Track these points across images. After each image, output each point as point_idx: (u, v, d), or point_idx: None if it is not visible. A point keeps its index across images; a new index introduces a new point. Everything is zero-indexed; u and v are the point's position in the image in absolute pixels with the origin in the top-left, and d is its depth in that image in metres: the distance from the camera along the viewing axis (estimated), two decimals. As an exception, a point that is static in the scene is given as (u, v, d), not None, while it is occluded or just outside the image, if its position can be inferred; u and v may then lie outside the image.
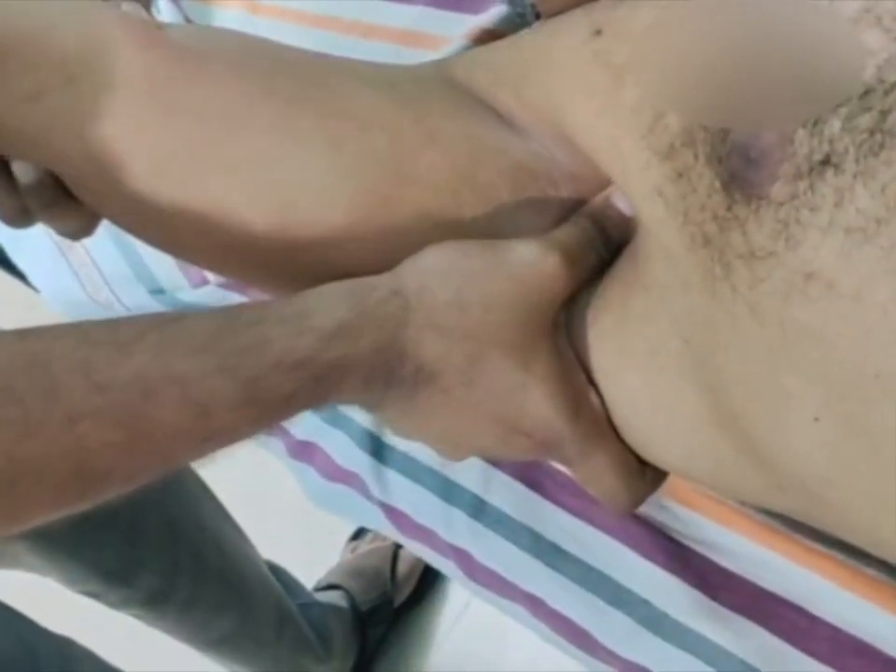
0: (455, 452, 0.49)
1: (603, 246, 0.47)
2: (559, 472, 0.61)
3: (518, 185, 0.48)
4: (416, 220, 0.47)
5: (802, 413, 0.37)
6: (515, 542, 0.62)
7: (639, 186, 0.43)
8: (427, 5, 0.77)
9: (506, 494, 0.62)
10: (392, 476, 0.67)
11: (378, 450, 0.68)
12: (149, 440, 0.39)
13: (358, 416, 0.69)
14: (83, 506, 0.39)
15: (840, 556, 0.54)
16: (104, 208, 0.49)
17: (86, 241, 0.90)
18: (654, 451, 0.47)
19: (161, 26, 0.47)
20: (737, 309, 0.38)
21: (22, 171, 0.46)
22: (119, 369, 0.38)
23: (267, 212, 0.46)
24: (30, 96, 0.43)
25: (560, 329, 0.46)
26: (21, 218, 0.49)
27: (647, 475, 0.48)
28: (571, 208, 0.48)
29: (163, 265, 0.85)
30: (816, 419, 0.37)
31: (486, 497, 0.63)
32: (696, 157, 0.39)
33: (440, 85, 0.51)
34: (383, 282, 0.45)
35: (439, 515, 0.65)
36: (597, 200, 0.48)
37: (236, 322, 0.41)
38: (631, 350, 0.45)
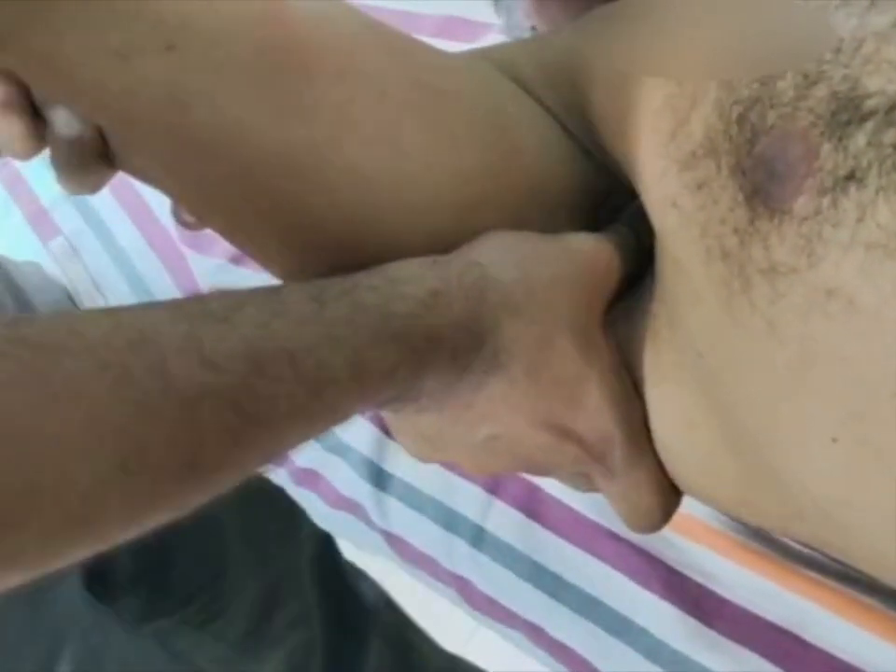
0: (493, 463, 0.46)
1: (639, 253, 0.46)
2: (559, 502, 0.62)
3: (578, 201, 0.48)
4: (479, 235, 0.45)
5: (819, 433, 0.36)
6: (515, 571, 0.62)
7: (654, 195, 0.42)
8: (425, 35, 0.78)
9: (506, 523, 0.63)
10: (393, 504, 0.68)
11: (379, 478, 0.68)
12: (261, 423, 0.35)
13: (359, 445, 0.70)
14: (190, 506, 0.35)
15: (833, 584, 0.54)
16: (163, 182, 0.45)
17: (82, 249, 0.91)
18: (682, 473, 0.45)
19: None
20: (755, 325, 0.37)
21: (66, 122, 0.41)
22: (228, 342, 0.34)
23: (348, 223, 0.44)
24: (116, 53, 0.39)
25: (607, 330, 0.45)
26: (28, 156, 0.44)
27: (676, 495, 0.47)
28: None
29: (157, 276, 0.85)
30: (833, 439, 0.36)
31: (486, 526, 0.64)
32: (719, 168, 0.38)
33: (503, 81, 0.49)
34: (455, 256, 0.43)
35: (439, 543, 0.66)
36: (633, 207, 0.47)
37: (329, 292, 0.38)
38: (661, 362, 0.44)
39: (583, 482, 0.48)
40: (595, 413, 0.44)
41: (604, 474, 0.46)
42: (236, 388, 0.34)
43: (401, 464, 0.68)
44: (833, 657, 0.54)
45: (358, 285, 0.39)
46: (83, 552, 0.32)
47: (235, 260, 0.77)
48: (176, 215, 0.45)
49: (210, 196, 0.44)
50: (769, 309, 0.37)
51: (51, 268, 0.92)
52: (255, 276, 0.74)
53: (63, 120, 0.41)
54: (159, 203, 0.82)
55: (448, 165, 0.45)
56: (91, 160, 0.42)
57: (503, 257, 0.43)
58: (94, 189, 0.45)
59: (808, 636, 0.54)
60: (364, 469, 0.69)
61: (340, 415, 0.38)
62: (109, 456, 0.31)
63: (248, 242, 0.47)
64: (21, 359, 0.31)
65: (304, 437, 0.38)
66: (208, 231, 0.78)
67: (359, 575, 0.89)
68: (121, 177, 0.86)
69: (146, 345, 0.33)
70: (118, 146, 0.43)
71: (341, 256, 0.44)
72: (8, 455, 0.30)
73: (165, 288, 0.85)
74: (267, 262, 0.47)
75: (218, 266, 0.78)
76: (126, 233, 0.86)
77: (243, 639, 0.81)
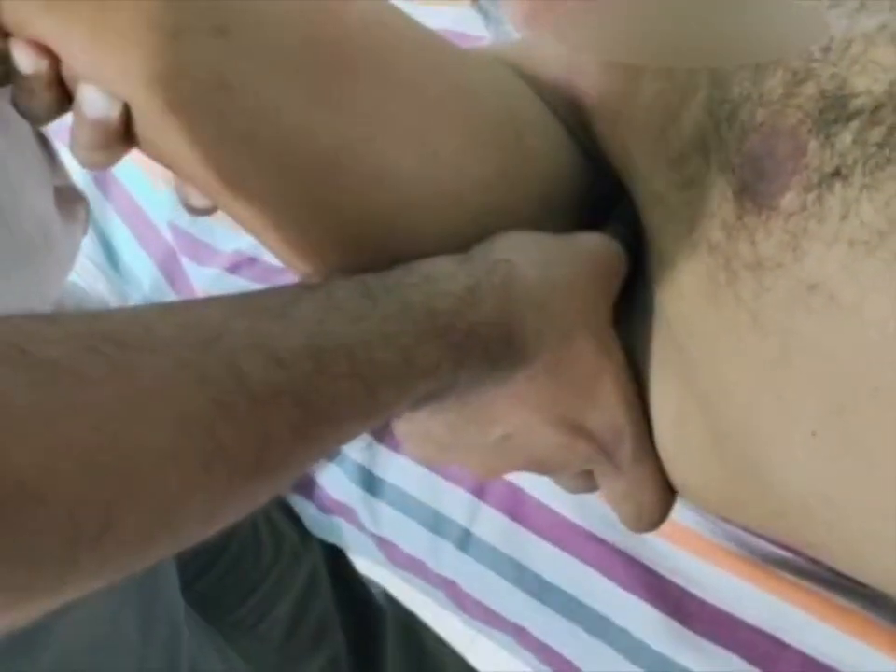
0: (502, 464, 0.47)
1: (636, 251, 0.47)
2: (543, 506, 0.62)
3: (577, 199, 0.48)
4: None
5: (799, 426, 0.37)
6: (501, 573, 0.63)
7: (644, 192, 0.42)
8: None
9: (492, 526, 0.64)
10: (384, 508, 0.68)
11: (370, 484, 0.69)
12: (323, 419, 0.34)
13: (352, 450, 0.70)
14: (257, 504, 0.34)
15: (812, 587, 0.55)
16: (188, 166, 0.43)
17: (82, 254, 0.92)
18: (677, 471, 0.46)
19: None
20: (739, 318, 0.38)
21: (95, 102, 0.40)
22: (290, 338, 0.34)
23: (371, 220, 0.44)
24: (168, 30, 0.38)
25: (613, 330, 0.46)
26: (44, 125, 0.44)
27: (672, 495, 0.47)
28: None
29: (156, 286, 0.86)
30: (813, 433, 0.36)
31: (473, 529, 0.64)
32: (708, 165, 0.39)
33: (516, 82, 0.49)
34: (479, 254, 0.43)
35: (427, 546, 0.66)
36: (626, 205, 0.47)
37: (375, 289, 0.38)
38: (657, 361, 0.45)
39: (581, 482, 0.48)
40: (609, 410, 0.44)
41: (611, 471, 0.46)
42: (301, 385, 0.34)
43: (392, 469, 0.68)
44: (812, 659, 0.54)
45: (401, 282, 0.39)
46: (164, 553, 0.32)
47: (232, 270, 0.78)
48: (183, 198, 0.44)
49: (240, 184, 0.43)
50: (754, 303, 0.37)
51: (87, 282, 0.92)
52: (251, 286, 0.75)
53: (92, 99, 0.40)
54: (156, 212, 0.83)
55: (472, 170, 0.45)
56: (113, 139, 0.42)
57: (523, 256, 0.43)
58: (109, 165, 0.44)
59: (787, 638, 0.55)
60: (356, 474, 0.69)
61: (389, 411, 0.38)
62: (195, 457, 0.31)
63: (271, 233, 0.46)
64: (109, 356, 0.30)
65: (358, 433, 0.38)
66: (205, 242, 0.80)
67: (365, 578, 0.89)
68: (119, 187, 0.87)
69: (218, 343, 0.32)
70: (148, 126, 0.41)
71: (358, 251, 0.44)
72: (106, 453, 0.28)
73: (165, 299, 0.86)
74: (286, 254, 0.47)
75: (216, 276, 0.79)
76: (124, 242, 0.87)
77: (283, 643, 0.81)
